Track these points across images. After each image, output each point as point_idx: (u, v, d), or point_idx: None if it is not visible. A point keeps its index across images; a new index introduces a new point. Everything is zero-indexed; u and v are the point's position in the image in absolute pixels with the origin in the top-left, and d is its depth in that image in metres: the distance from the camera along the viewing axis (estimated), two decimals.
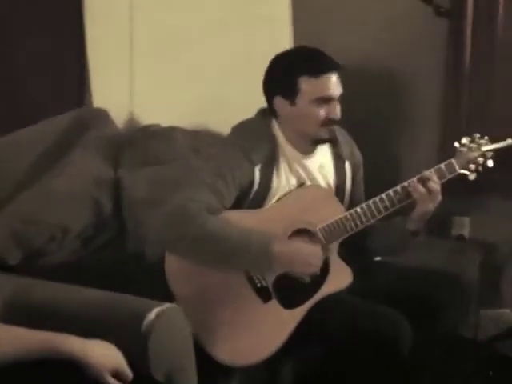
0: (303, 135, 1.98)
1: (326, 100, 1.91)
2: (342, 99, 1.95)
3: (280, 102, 1.95)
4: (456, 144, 2.00)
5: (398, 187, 1.95)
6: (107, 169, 2.33)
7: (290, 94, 1.92)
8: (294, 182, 2.00)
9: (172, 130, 2.48)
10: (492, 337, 2.56)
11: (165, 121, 2.52)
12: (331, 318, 1.93)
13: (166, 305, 1.66)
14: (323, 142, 2.00)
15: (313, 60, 1.94)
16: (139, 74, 2.53)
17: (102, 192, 2.27)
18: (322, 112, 1.92)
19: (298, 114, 1.93)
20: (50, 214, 2.12)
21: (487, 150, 2.00)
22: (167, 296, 1.81)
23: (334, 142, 2.03)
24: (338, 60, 1.93)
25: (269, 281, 1.91)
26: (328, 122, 1.94)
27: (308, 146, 2.01)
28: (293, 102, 1.93)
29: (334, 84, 1.91)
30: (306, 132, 1.97)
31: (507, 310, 2.52)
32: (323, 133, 1.96)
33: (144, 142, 2.42)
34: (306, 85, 1.90)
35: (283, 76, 1.93)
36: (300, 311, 1.93)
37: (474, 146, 2.00)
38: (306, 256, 1.89)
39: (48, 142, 2.30)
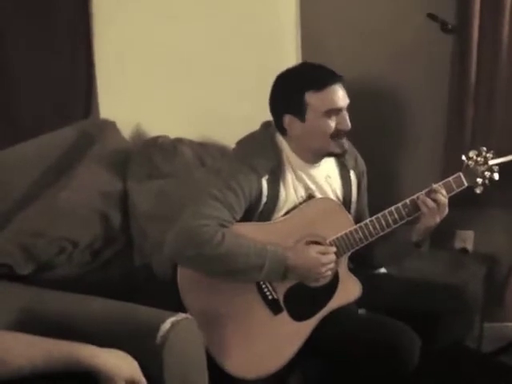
0: (314, 150, 1.99)
1: (334, 111, 1.92)
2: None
3: (290, 120, 1.95)
4: (463, 157, 2.00)
5: (407, 200, 1.95)
6: (115, 181, 2.33)
7: (299, 110, 1.93)
8: (302, 192, 2.01)
9: (179, 141, 2.48)
10: (495, 350, 2.57)
11: (172, 132, 2.52)
12: (337, 330, 1.94)
13: (181, 315, 1.65)
14: (335, 155, 2.02)
15: (315, 74, 1.95)
16: (147, 85, 2.54)
17: (109, 205, 2.26)
18: (332, 124, 1.93)
19: (309, 129, 1.94)
20: (58, 227, 2.12)
21: (494, 164, 2.01)
22: (177, 307, 1.79)
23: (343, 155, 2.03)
24: (343, 73, 1.95)
25: (280, 293, 1.92)
26: (338, 133, 1.95)
27: (316, 158, 2.02)
28: (303, 119, 1.93)
29: (339, 95, 1.92)
30: (317, 147, 1.98)
31: (511, 324, 2.52)
32: (335, 146, 1.96)
33: (150, 155, 2.42)
34: (312, 99, 1.91)
35: (289, 94, 1.94)
36: (310, 324, 1.94)
37: (480, 159, 2.01)
38: (321, 261, 1.89)
39: (54, 155, 2.30)
